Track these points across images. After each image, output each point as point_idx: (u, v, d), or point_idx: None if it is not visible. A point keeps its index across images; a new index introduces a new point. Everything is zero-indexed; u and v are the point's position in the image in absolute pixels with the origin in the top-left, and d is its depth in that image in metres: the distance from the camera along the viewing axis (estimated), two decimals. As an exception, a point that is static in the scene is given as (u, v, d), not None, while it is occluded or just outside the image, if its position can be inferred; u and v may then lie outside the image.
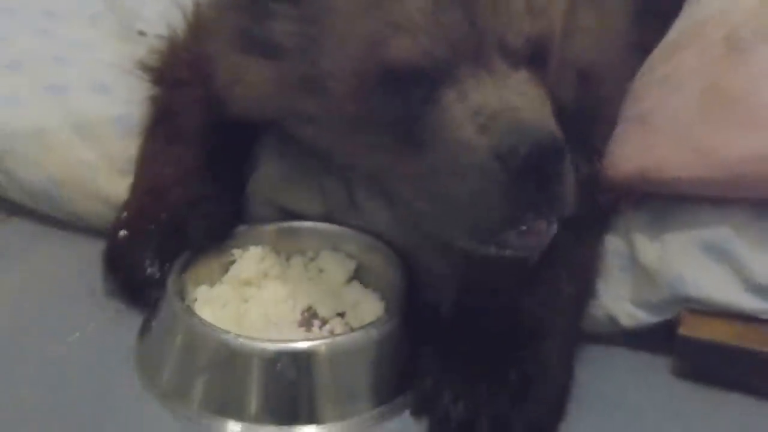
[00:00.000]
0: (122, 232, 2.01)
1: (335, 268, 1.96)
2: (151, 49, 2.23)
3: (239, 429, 1.71)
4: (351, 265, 1.97)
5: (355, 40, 1.70)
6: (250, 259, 1.96)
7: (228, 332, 1.74)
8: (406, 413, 1.75)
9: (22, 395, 1.78)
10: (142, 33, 2.40)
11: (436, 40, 1.65)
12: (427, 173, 1.69)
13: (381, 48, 1.67)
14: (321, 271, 1.98)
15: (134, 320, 1.94)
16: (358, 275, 1.97)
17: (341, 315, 1.89)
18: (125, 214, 2.05)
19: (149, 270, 1.94)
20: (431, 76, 1.66)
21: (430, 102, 1.67)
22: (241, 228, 2.00)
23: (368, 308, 1.88)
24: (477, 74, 1.65)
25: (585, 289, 1.86)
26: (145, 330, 1.91)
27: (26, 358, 1.87)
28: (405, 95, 1.68)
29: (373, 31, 1.67)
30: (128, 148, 2.14)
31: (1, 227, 2.25)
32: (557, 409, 1.73)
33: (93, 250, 2.05)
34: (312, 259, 1.99)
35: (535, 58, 1.70)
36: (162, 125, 2.12)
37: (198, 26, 2.17)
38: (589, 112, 1.91)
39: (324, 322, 1.88)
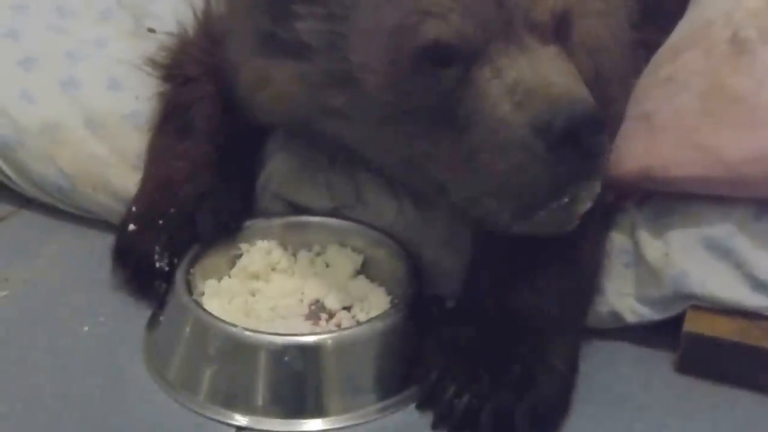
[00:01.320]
0: (131, 226, 2.02)
1: (342, 262, 1.97)
2: (161, 46, 2.23)
3: (246, 421, 1.72)
4: (357, 260, 1.97)
5: (386, 30, 1.70)
6: (257, 253, 1.97)
7: (235, 325, 1.76)
8: (412, 406, 1.76)
9: (34, 385, 1.80)
10: (151, 30, 2.40)
11: (466, 20, 1.65)
12: (467, 154, 1.70)
13: (412, 33, 1.67)
14: (328, 265, 1.98)
15: (143, 312, 1.95)
16: (365, 269, 1.98)
17: (348, 309, 1.90)
18: (135, 208, 2.05)
19: (158, 263, 1.95)
20: (464, 55, 1.67)
21: (465, 82, 1.68)
22: (249, 222, 2.01)
23: (374, 302, 1.89)
24: (509, 51, 1.67)
25: (589, 285, 1.87)
26: (153, 322, 1.92)
27: (37, 349, 1.88)
28: (440, 77, 1.69)
29: (403, 19, 1.68)
30: (139, 143, 2.14)
31: (13, 220, 2.26)
32: (560, 402, 1.74)
33: (103, 244, 2.07)
34: (319, 254, 2.00)
35: (560, 33, 1.72)
36: (171, 121, 2.12)
37: (207, 24, 2.18)
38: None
39: (331, 315, 1.89)
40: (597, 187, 1.69)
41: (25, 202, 2.29)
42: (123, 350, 1.88)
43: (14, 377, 1.82)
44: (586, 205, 1.69)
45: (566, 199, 1.66)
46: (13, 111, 2.22)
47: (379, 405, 1.75)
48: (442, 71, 1.68)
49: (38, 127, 2.20)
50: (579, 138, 1.60)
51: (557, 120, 1.60)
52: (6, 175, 2.27)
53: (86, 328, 1.93)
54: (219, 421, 1.73)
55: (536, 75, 1.65)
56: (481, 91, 1.67)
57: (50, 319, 1.95)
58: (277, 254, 1.98)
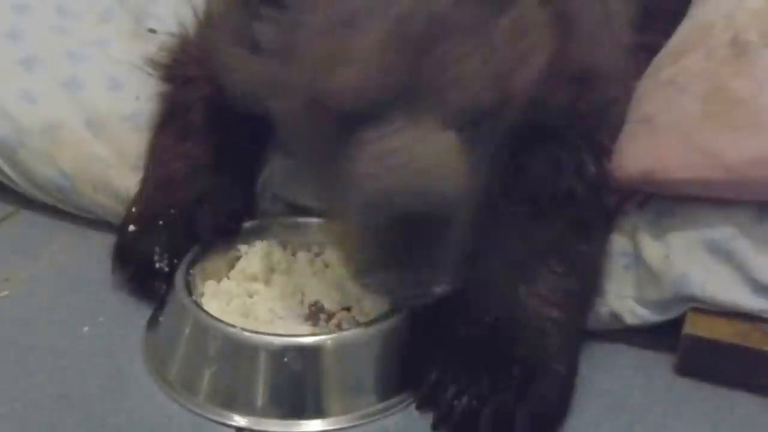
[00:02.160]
0: (132, 227, 2.02)
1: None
2: (161, 47, 2.23)
3: (245, 422, 1.72)
4: (357, 260, 1.97)
5: (309, 60, 1.68)
6: (256, 254, 1.96)
7: (235, 326, 1.75)
8: (411, 407, 1.76)
9: (33, 385, 1.80)
10: (152, 31, 2.39)
11: (377, 81, 1.63)
12: (338, 195, 1.71)
13: (326, 74, 1.65)
14: (327, 265, 1.97)
15: (143, 313, 1.95)
16: (365, 270, 1.97)
17: (347, 309, 1.89)
18: (135, 209, 2.06)
19: (158, 264, 1.96)
20: (364, 112, 1.65)
21: (354, 133, 1.66)
22: (248, 223, 2.00)
23: (374, 303, 1.87)
24: (403, 123, 1.63)
25: (590, 286, 1.87)
26: (153, 323, 1.92)
27: (37, 349, 1.88)
28: (336, 121, 1.68)
29: (325, 56, 1.66)
30: (140, 143, 2.14)
31: (13, 220, 2.27)
32: (560, 404, 1.74)
33: (104, 244, 2.07)
34: (318, 254, 2.00)
35: (476, 122, 1.68)
36: (172, 121, 2.12)
37: (208, 24, 2.18)
38: (597, 112, 1.91)
39: (330, 316, 1.88)
40: (435, 279, 1.68)
41: (25, 202, 2.29)
42: (123, 351, 1.88)
43: (14, 377, 1.82)
44: (430, 291, 1.68)
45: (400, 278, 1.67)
46: (14, 111, 2.22)
47: (379, 406, 1.75)
48: (339, 117, 1.67)
49: (39, 127, 2.20)
50: (406, 233, 1.62)
51: (393, 207, 1.61)
52: (6, 175, 2.27)
53: (86, 329, 1.93)
54: (218, 422, 1.73)
55: (409, 155, 1.63)
56: (359, 148, 1.66)
57: (50, 320, 1.95)
58: (277, 255, 1.97)
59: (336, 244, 1.80)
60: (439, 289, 1.67)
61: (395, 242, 1.63)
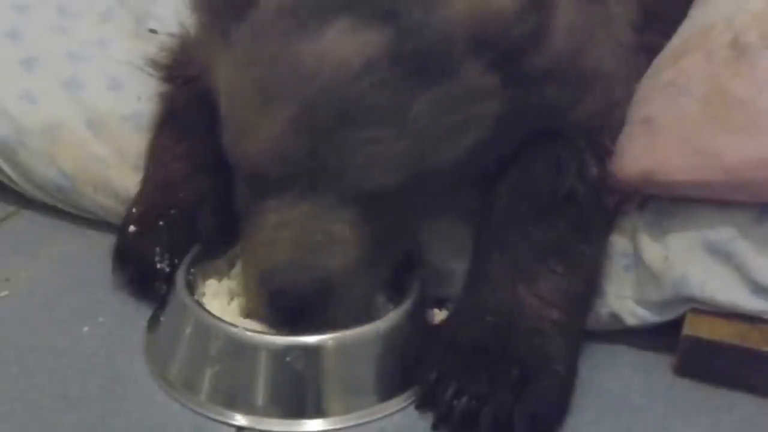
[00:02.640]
0: (132, 227, 2.02)
1: (342, 263, 1.96)
2: (162, 47, 2.23)
3: (246, 421, 1.72)
4: (358, 261, 1.97)
5: (232, 120, 1.79)
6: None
7: (236, 326, 1.75)
8: (412, 407, 1.76)
9: (34, 385, 1.80)
10: (153, 31, 2.39)
11: (280, 156, 1.69)
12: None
13: (242, 138, 1.75)
14: (328, 265, 1.97)
15: (144, 313, 1.95)
16: (366, 271, 1.97)
17: (348, 309, 1.89)
18: (135, 209, 2.05)
19: (159, 265, 1.95)
20: (268, 183, 1.72)
21: (256, 198, 1.75)
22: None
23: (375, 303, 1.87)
24: (301, 198, 1.69)
25: (590, 287, 1.87)
26: (154, 323, 1.92)
27: (37, 349, 1.88)
28: (247, 183, 1.79)
29: (243, 122, 1.74)
30: (140, 144, 2.14)
31: (14, 220, 2.26)
32: (559, 404, 1.74)
33: (104, 244, 2.06)
34: (319, 254, 1.99)
35: (381, 198, 1.72)
36: (171, 122, 2.12)
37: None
38: (599, 114, 1.92)
39: (331, 317, 1.88)
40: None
41: (25, 202, 2.28)
42: (123, 351, 1.88)
43: (14, 377, 1.81)
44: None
45: None
46: (14, 111, 2.21)
47: (380, 406, 1.75)
48: (246, 178, 1.79)
49: (39, 128, 2.20)
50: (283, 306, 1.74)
51: (269, 283, 1.74)
52: (6, 176, 2.27)
53: (86, 329, 1.93)
54: (219, 421, 1.73)
55: (299, 231, 1.71)
56: (258, 214, 1.75)
57: (50, 320, 1.95)
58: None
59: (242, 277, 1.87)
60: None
61: (277, 309, 1.75)
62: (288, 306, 1.74)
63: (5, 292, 2.02)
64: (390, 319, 1.79)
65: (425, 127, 1.70)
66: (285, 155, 1.69)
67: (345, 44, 1.66)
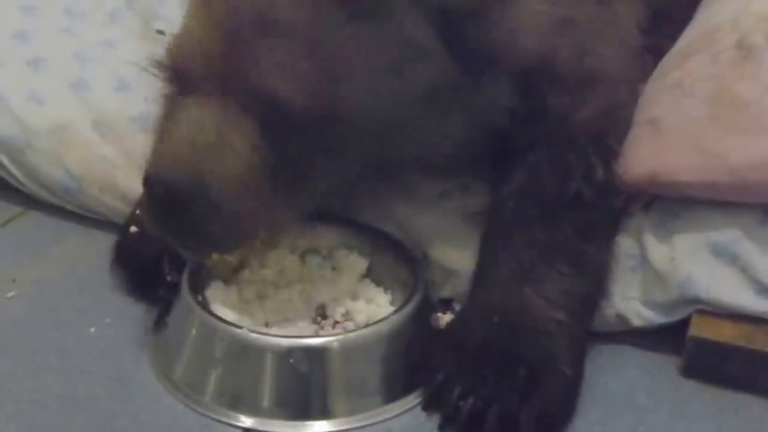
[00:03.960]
0: (134, 228, 2.00)
1: (349, 266, 1.95)
2: (166, 48, 2.22)
3: (251, 422, 1.72)
4: (364, 263, 1.96)
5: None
6: (264, 257, 1.94)
7: (241, 327, 1.75)
8: (417, 408, 1.75)
9: (40, 386, 1.80)
10: (160, 32, 2.38)
11: (197, 57, 1.71)
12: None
13: (174, 40, 1.80)
14: (335, 268, 1.97)
15: (150, 315, 1.94)
16: (372, 273, 1.96)
17: (354, 312, 1.88)
18: (138, 210, 2.03)
19: (159, 267, 1.94)
20: (184, 82, 1.74)
21: (177, 97, 1.77)
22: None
23: (380, 305, 1.88)
24: (210, 100, 1.69)
25: (596, 288, 1.86)
26: (159, 324, 1.91)
27: (44, 350, 1.87)
28: (168, 81, 1.81)
29: (182, 24, 1.79)
30: (147, 145, 2.08)
31: (21, 221, 2.26)
32: (565, 405, 1.73)
33: (110, 245, 2.05)
34: (326, 257, 1.98)
35: (284, 119, 1.69)
36: None
37: None
38: (604, 115, 1.91)
39: (337, 319, 1.87)
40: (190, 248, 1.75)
41: (32, 203, 2.28)
42: (129, 352, 1.87)
43: (21, 378, 1.81)
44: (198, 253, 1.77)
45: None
46: (21, 112, 2.21)
47: (385, 407, 1.74)
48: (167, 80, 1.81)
49: (46, 129, 2.19)
50: (156, 202, 1.70)
51: (153, 174, 1.69)
52: (13, 176, 2.26)
53: (93, 330, 1.92)
54: (225, 423, 1.72)
55: (185, 130, 1.70)
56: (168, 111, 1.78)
57: (57, 320, 1.95)
58: (285, 258, 1.96)
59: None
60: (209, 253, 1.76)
61: (157, 206, 1.70)
62: (159, 199, 1.68)
63: (12, 293, 2.02)
64: (395, 320, 1.78)
65: (343, 60, 1.68)
66: (206, 53, 1.69)
67: None
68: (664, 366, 1.86)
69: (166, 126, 1.74)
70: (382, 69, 1.71)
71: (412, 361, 1.76)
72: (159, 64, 2.05)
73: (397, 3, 1.68)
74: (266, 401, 1.72)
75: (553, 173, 1.86)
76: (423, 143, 1.84)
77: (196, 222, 1.67)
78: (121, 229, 2.06)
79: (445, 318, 1.88)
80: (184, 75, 1.73)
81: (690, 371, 1.83)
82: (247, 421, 1.72)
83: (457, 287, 1.92)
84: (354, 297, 1.90)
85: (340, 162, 1.76)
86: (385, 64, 1.71)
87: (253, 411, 1.72)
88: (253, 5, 1.67)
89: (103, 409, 1.75)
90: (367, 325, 1.80)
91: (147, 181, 1.68)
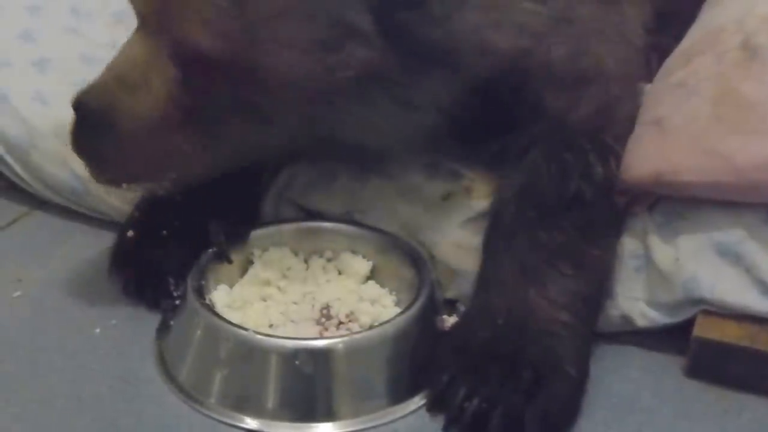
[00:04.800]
0: (130, 233, 1.99)
1: (353, 267, 1.94)
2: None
3: (256, 424, 1.70)
4: (368, 265, 1.94)
5: None
6: (269, 259, 1.94)
7: (246, 329, 1.73)
8: (422, 410, 1.73)
9: (46, 386, 1.78)
10: (165, 32, 2.37)
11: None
12: None
13: None
14: (339, 271, 1.95)
15: (155, 315, 1.93)
16: (376, 275, 1.95)
17: (359, 313, 1.86)
18: (137, 213, 2.02)
19: (157, 271, 1.93)
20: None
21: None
22: (261, 228, 1.97)
23: (386, 306, 1.87)
24: (146, 37, 1.75)
25: (601, 289, 1.84)
26: (164, 326, 1.90)
27: (49, 350, 1.86)
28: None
29: None
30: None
31: (26, 222, 2.24)
32: (570, 406, 1.72)
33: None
34: (330, 260, 1.97)
35: (204, 70, 1.71)
36: None
37: None
38: (601, 113, 1.90)
39: (341, 321, 1.85)
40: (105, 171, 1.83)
41: (38, 203, 2.27)
42: (134, 352, 1.86)
43: (27, 378, 1.80)
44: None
45: None
46: (27, 113, 2.20)
47: (390, 409, 1.72)
48: None
49: (52, 129, 2.17)
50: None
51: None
52: (19, 177, 2.25)
53: (98, 330, 1.91)
54: (229, 425, 1.70)
55: (114, 61, 1.81)
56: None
57: (62, 321, 1.93)
58: (289, 260, 1.95)
59: None
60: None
61: (77, 128, 1.81)
62: (79, 122, 1.80)
63: (17, 293, 2.01)
64: (400, 321, 1.76)
65: (270, 25, 1.67)
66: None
67: None
68: (668, 366, 1.84)
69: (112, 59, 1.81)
70: (308, 40, 1.69)
71: (417, 362, 1.75)
72: None
73: None
74: (271, 403, 1.70)
75: (551, 173, 1.85)
76: (353, 128, 1.83)
77: (105, 149, 1.78)
78: (118, 231, 2.03)
79: (450, 320, 1.87)
80: (135, 10, 1.78)
81: (694, 372, 1.81)
82: (251, 423, 1.70)
83: (462, 288, 1.91)
84: (359, 298, 1.89)
85: (260, 127, 1.78)
86: (312, 37, 1.69)
87: (258, 413, 1.70)
88: None
89: (108, 410, 1.74)
90: (372, 327, 1.79)
91: (72, 103, 1.78)
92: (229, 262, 1.92)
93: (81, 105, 1.78)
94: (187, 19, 1.68)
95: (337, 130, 1.83)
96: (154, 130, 1.74)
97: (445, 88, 1.81)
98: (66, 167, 2.16)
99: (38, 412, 1.73)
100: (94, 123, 1.77)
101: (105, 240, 2.11)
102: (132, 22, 2.40)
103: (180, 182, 1.85)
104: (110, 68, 1.79)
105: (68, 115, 2.13)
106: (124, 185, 1.84)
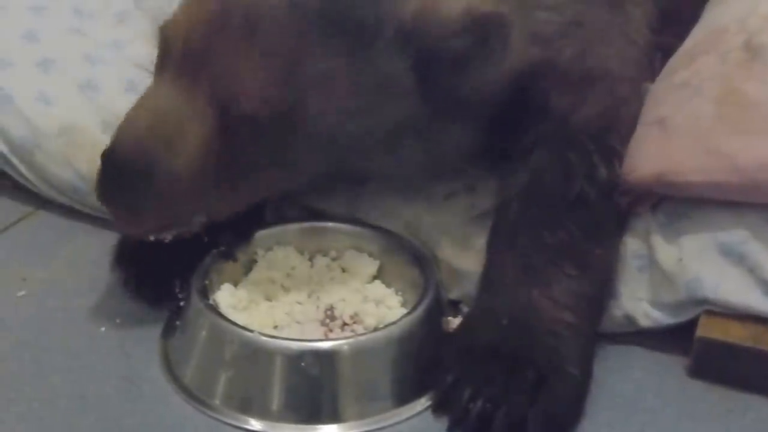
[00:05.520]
0: None
1: (358, 267, 1.91)
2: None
3: (261, 426, 1.68)
4: (374, 265, 1.92)
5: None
6: (273, 259, 1.92)
7: (251, 330, 1.71)
8: (427, 412, 1.71)
9: (50, 385, 1.76)
10: (169, 32, 2.36)
11: (187, 35, 1.71)
12: None
13: (176, 13, 1.78)
14: (344, 270, 1.93)
15: (160, 314, 1.90)
16: (381, 274, 1.92)
17: (364, 314, 1.84)
18: None
19: (160, 271, 1.90)
20: (170, 56, 1.74)
21: (157, 69, 1.79)
22: (265, 228, 1.95)
23: (390, 307, 1.84)
24: (182, 85, 1.69)
25: (604, 289, 1.82)
26: (169, 326, 1.87)
27: (54, 349, 1.84)
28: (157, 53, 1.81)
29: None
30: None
31: (30, 221, 2.22)
32: (574, 407, 1.69)
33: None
34: (335, 259, 1.95)
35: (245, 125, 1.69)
36: None
37: None
38: (606, 114, 1.88)
39: (346, 321, 1.83)
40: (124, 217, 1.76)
41: (42, 202, 2.24)
42: (139, 352, 1.84)
43: (30, 377, 1.78)
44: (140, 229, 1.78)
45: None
46: (31, 113, 2.18)
47: (396, 410, 1.70)
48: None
49: (55, 130, 2.16)
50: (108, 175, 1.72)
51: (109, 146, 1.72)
52: (23, 177, 2.22)
53: (103, 329, 1.89)
54: (234, 426, 1.68)
55: (147, 108, 1.73)
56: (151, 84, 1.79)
57: (67, 320, 1.91)
58: (294, 259, 1.92)
59: None
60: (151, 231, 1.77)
61: (107, 179, 1.71)
62: (110, 172, 1.70)
63: (22, 292, 1.98)
64: (405, 323, 1.74)
65: (315, 88, 1.68)
66: (189, 36, 1.69)
67: None
68: (671, 366, 1.82)
69: (138, 100, 1.76)
70: (353, 103, 1.71)
71: (422, 363, 1.73)
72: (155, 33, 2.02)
73: (383, 44, 1.69)
74: (276, 405, 1.68)
75: (555, 173, 1.83)
76: (378, 169, 1.86)
77: (138, 201, 1.70)
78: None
79: (454, 321, 1.84)
80: (166, 49, 1.74)
81: (697, 372, 1.79)
82: (256, 425, 1.68)
83: (465, 289, 1.89)
84: (364, 299, 1.87)
85: (291, 174, 1.79)
86: (356, 100, 1.71)
87: (263, 414, 1.68)
88: (245, 9, 1.66)
89: (112, 409, 1.72)
90: (377, 329, 1.77)
91: (102, 160, 1.70)
92: (235, 260, 1.90)
93: (114, 156, 1.70)
94: (234, 79, 1.67)
95: (363, 171, 1.87)
96: (186, 179, 1.69)
97: (471, 131, 1.84)
98: (70, 167, 2.14)
99: (42, 412, 1.70)
100: (128, 176, 1.69)
101: (109, 239, 2.08)
102: (134, 22, 2.40)
103: (206, 224, 1.82)
104: (139, 114, 1.72)
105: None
106: (152, 236, 1.79)
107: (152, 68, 1.99)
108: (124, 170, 1.68)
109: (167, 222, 1.75)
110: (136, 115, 1.72)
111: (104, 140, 2.07)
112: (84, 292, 1.98)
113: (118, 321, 1.90)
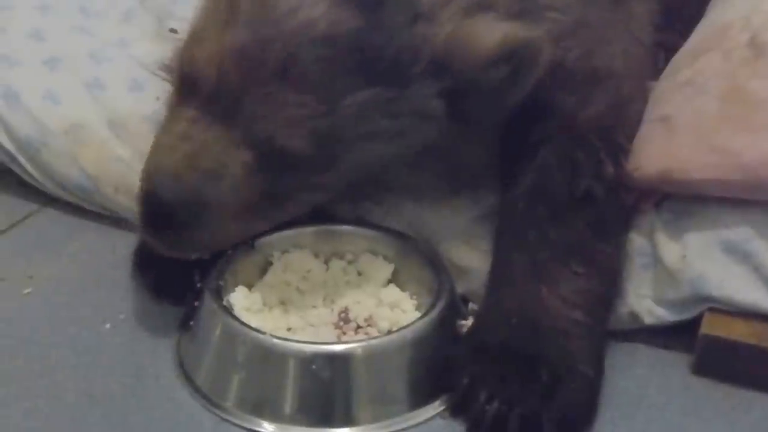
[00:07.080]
0: None
1: (374, 270, 1.84)
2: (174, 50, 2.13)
3: (274, 428, 1.61)
4: (389, 268, 1.85)
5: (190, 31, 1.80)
6: (288, 262, 1.84)
7: (264, 333, 1.65)
8: (441, 415, 1.64)
9: (56, 382, 1.71)
10: (173, 31, 2.29)
11: (219, 71, 1.63)
12: None
13: (199, 41, 1.71)
14: (359, 273, 1.86)
15: (166, 311, 1.84)
16: (396, 278, 1.85)
17: (378, 317, 1.76)
18: None
19: (179, 273, 1.82)
20: (196, 90, 1.67)
21: (179, 101, 1.71)
22: (282, 231, 1.86)
23: (405, 311, 1.77)
24: (215, 121, 1.63)
25: (612, 287, 1.76)
26: (184, 328, 1.80)
27: (60, 346, 1.78)
28: (177, 83, 1.76)
29: (205, 26, 1.72)
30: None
31: (37, 218, 2.16)
32: (587, 406, 1.63)
33: (126, 242, 1.94)
34: (350, 262, 1.87)
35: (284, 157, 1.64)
36: None
37: None
38: (613, 112, 1.82)
39: (360, 324, 1.76)
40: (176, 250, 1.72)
41: (48, 200, 2.18)
42: (145, 348, 1.78)
43: (37, 374, 1.72)
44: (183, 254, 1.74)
45: None
46: (37, 111, 2.11)
47: (409, 414, 1.63)
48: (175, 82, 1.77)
49: (62, 128, 2.09)
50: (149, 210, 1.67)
51: (145, 181, 1.67)
52: (30, 174, 2.15)
53: (109, 326, 1.82)
54: (246, 428, 1.62)
55: (163, 141, 1.69)
56: (170, 118, 1.73)
57: (73, 317, 1.85)
58: (309, 262, 1.85)
59: None
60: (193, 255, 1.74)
61: (152, 223, 1.67)
62: (152, 209, 1.66)
63: (28, 290, 1.92)
64: (419, 326, 1.67)
65: (351, 122, 1.64)
66: (222, 74, 1.62)
67: (321, 10, 1.60)
68: (675, 364, 1.76)
69: (164, 136, 1.69)
70: (387, 130, 1.67)
71: (437, 367, 1.66)
72: (168, 67, 1.94)
73: (416, 75, 1.64)
74: (289, 407, 1.61)
75: (562, 171, 1.77)
76: (398, 180, 1.83)
77: (186, 236, 1.67)
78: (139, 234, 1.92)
79: (467, 324, 1.76)
80: (192, 86, 1.66)
81: (702, 369, 1.73)
82: (269, 428, 1.61)
83: (469, 285, 1.82)
84: (378, 302, 1.80)
85: (322, 196, 1.77)
86: (390, 127, 1.67)
87: (276, 417, 1.61)
88: (281, 49, 1.60)
89: (118, 405, 1.66)
90: (390, 332, 1.70)
91: (144, 199, 1.67)
92: (252, 247, 1.84)
93: (156, 195, 1.65)
94: (272, 116, 1.62)
95: (384, 185, 1.85)
96: (233, 213, 1.66)
97: (489, 143, 1.81)
98: (76, 165, 2.08)
99: (49, 408, 1.66)
100: (175, 211, 1.64)
101: (116, 236, 2.05)
102: (139, 20, 2.33)
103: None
104: (170, 150, 1.66)
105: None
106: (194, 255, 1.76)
107: (157, 70, 1.95)
108: (170, 207, 1.63)
109: (210, 246, 1.72)
110: (167, 151, 1.67)
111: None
112: (90, 289, 1.93)
113: (123, 317, 1.85)
